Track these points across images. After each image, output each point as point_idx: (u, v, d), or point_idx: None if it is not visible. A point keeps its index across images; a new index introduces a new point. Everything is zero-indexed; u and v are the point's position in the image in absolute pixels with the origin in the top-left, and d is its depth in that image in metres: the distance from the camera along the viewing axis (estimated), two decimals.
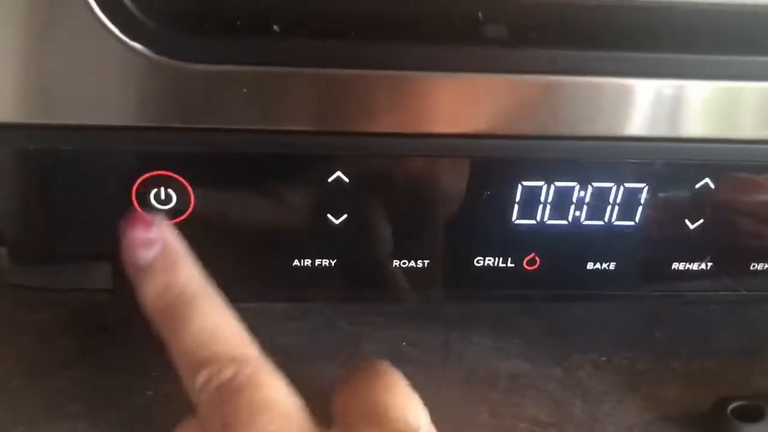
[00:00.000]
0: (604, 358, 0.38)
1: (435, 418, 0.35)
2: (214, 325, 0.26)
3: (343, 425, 0.26)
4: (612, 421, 0.34)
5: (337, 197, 0.30)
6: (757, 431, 0.33)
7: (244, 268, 0.32)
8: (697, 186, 0.31)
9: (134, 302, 0.28)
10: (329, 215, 0.31)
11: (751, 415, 0.34)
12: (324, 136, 0.29)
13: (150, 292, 0.27)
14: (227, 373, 0.24)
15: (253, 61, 0.27)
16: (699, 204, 0.32)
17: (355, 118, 0.29)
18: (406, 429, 0.25)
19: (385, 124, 0.29)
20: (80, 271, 0.31)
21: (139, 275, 0.27)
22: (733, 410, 0.34)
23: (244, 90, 0.27)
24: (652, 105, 0.29)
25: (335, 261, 0.32)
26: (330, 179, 0.30)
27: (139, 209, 0.29)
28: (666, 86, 0.29)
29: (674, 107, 0.29)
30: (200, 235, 0.30)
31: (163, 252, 0.28)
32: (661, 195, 0.31)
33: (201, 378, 0.24)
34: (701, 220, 0.32)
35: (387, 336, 0.37)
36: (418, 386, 0.36)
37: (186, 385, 0.25)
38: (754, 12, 0.29)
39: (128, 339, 0.36)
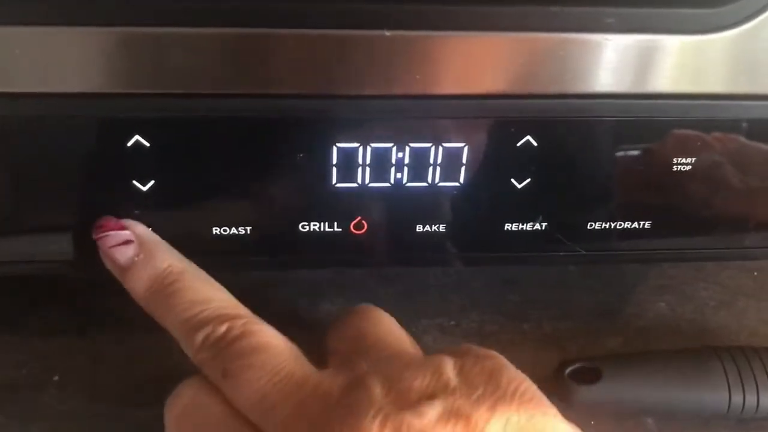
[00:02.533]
0: (452, 323, 0.37)
1: None
2: (203, 293, 0.28)
3: (338, 359, 0.28)
4: None
5: (140, 162, 0.29)
6: (593, 392, 0.33)
7: (56, 239, 0.31)
8: (519, 144, 0.30)
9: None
10: (134, 181, 0.29)
11: (589, 377, 0.33)
12: (121, 98, 0.28)
13: (138, 286, 0.29)
14: (222, 328, 0.26)
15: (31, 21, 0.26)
16: (524, 162, 0.31)
17: (146, 78, 0.28)
18: (396, 353, 0.28)
19: (189, 84, 0.28)
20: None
21: (124, 274, 0.29)
22: (572, 373, 0.34)
23: (17, 51, 0.26)
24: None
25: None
26: (129, 143, 0.28)
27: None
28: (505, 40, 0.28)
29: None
30: (5, 205, 0.29)
31: (139, 246, 0.29)
32: (483, 154, 0.30)
33: (198, 338, 0.26)
34: (528, 179, 0.31)
35: None
36: None
37: (187, 353, 0.27)
38: None
39: None
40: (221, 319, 0.27)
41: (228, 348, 0.26)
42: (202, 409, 0.26)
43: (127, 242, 0.29)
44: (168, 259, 0.29)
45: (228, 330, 0.26)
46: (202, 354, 0.26)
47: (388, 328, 0.30)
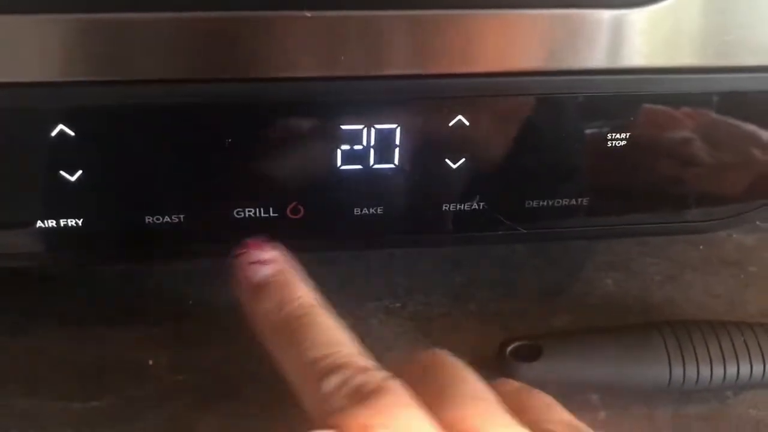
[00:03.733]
0: (398, 305, 0.37)
1: (210, 379, 0.34)
2: (334, 335, 0.26)
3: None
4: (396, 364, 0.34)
5: (66, 152, 0.28)
6: (534, 369, 0.33)
7: None
8: (451, 123, 0.30)
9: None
10: (62, 172, 0.29)
11: (530, 354, 0.33)
12: (45, 87, 0.27)
13: (266, 307, 0.27)
14: (359, 379, 0.24)
15: None
16: (457, 142, 0.31)
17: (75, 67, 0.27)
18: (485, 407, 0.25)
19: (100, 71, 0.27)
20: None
21: (255, 293, 0.28)
22: (513, 350, 0.34)
23: None
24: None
25: (81, 221, 0.30)
26: (53, 133, 0.28)
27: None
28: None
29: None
30: None
31: (277, 270, 0.29)
32: (416, 134, 0.30)
33: (330, 385, 0.24)
34: (462, 159, 0.31)
35: (172, 295, 0.36)
36: (201, 344, 0.35)
37: (305, 394, 0.25)
38: None
39: None
40: (356, 368, 0.25)
41: (369, 403, 0.23)
42: None
43: (266, 262, 0.29)
44: (303, 289, 0.28)
45: (366, 382, 0.24)
46: (335, 403, 0.24)
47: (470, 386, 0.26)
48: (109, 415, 0.32)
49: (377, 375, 0.24)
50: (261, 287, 0.28)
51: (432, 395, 0.24)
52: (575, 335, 0.35)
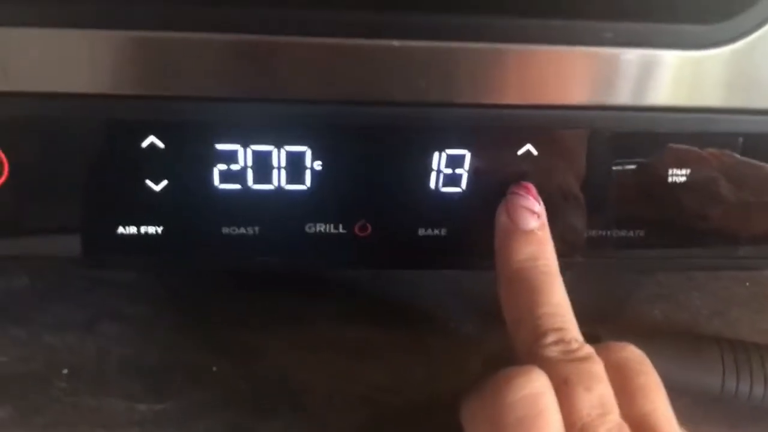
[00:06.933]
0: (453, 325, 0.38)
1: (272, 388, 0.35)
2: (564, 303, 0.30)
3: None
4: (451, 385, 0.35)
5: (154, 163, 0.30)
6: None
7: (68, 235, 0.32)
8: (520, 152, 0.31)
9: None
10: (148, 181, 0.30)
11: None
12: (138, 100, 0.29)
13: (521, 253, 0.31)
14: (574, 345, 0.28)
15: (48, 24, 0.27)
16: (524, 169, 0.32)
17: (164, 82, 0.29)
18: None
19: (203, 88, 0.29)
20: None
21: (515, 237, 0.31)
22: None
23: (34, 52, 0.27)
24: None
25: (161, 229, 0.32)
26: (144, 144, 0.30)
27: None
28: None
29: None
30: (18, 203, 0.30)
31: (541, 224, 0.31)
32: (484, 160, 0.31)
33: (550, 339, 0.28)
34: None
35: (233, 302, 0.38)
36: (259, 351, 0.36)
37: (521, 335, 0.29)
38: None
39: None
40: (574, 336, 0.29)
41: (577, 365, 0.27)
42: (548, 406, 0.26)
43: (536, 214, 0.31)
44: (553, 252, 0.31)
45: (578, 349, 0.28)
46: (548, 353, 0.28)
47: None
48: (173, 418, 0.33)
49: (588, 348, 0.29)
50: (523, 234, 0.31)
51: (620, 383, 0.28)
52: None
